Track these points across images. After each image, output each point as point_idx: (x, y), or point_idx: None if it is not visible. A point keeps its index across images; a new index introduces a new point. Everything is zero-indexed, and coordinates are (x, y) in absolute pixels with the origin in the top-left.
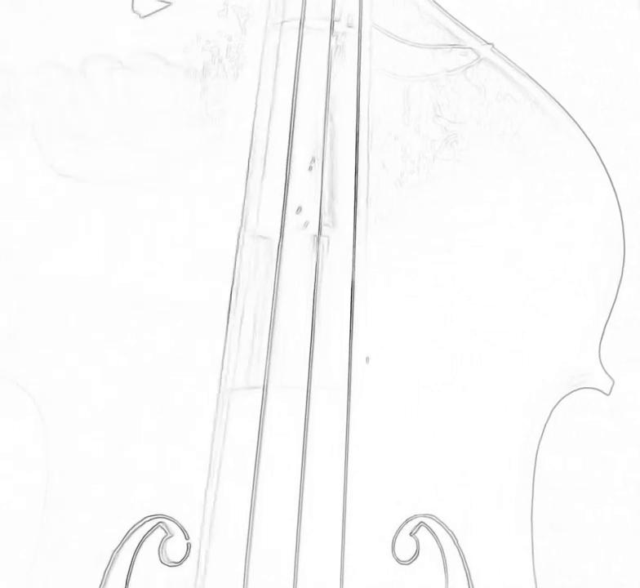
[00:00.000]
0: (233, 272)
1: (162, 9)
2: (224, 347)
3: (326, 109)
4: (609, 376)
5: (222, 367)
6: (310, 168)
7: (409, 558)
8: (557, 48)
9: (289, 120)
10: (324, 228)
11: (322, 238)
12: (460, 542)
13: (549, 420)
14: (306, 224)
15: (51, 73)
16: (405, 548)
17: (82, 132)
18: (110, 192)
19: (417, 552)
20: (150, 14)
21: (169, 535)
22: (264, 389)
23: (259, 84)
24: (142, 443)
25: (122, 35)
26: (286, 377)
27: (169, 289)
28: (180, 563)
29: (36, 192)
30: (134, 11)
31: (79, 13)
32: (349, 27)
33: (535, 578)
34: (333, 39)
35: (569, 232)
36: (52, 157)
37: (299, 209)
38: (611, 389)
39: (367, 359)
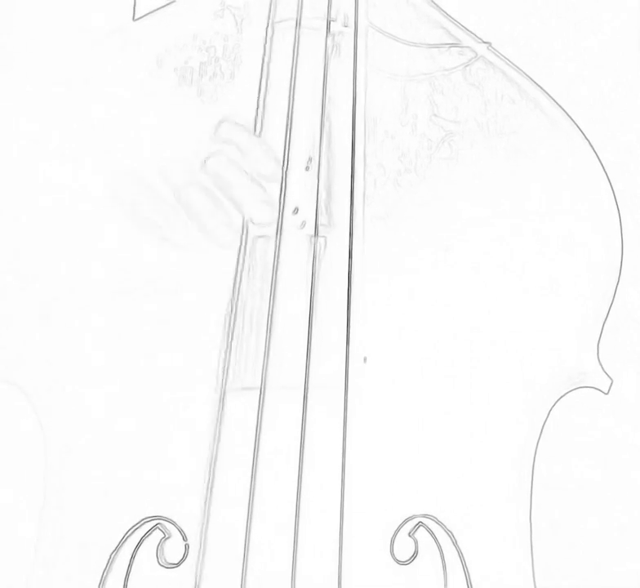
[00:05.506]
0: (231, 272)
1: (154, 11)
2: (221, 348)
3: (323, 108)
4: (608, 375)
5: (219, 368)
6: (307, 168)
7: (408, 558)
8: (557, 48)
9: (286, 120)
10: (321, 228)
11: (318, 238)
12: (458, 542)
13: (548, 420)
14: (303, 225)
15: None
16: (403, 548)
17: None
18: (106, 192)
19: (416, 552)
20: (142, 16)
21: (167, 536)
22: (262, 389)
23: (256, 84)
24: (140, 445)
25: (118, 37)
26: (283, 378)
27: (167, 289)
28: (178, 564)
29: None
30: (134, 20)
31: (72, 15)
32: (345, 27)
33: (534, 578)
34: (329, 39)
35: (567, 231)
36: None
37: (296, 209)
38: (610, 388)
39: (365, 359)
